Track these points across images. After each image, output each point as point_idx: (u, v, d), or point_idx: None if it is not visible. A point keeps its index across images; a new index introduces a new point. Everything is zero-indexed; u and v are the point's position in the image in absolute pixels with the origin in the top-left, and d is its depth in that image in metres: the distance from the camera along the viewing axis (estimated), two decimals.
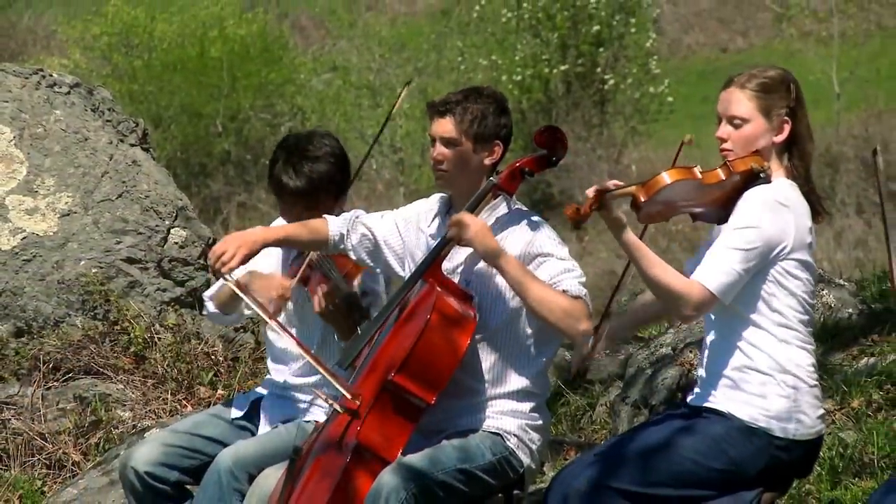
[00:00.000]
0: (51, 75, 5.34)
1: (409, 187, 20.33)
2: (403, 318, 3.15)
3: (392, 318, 3.19)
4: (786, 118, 2.98)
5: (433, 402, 3.02)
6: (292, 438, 3.34)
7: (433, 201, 3.33)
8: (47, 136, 5.17)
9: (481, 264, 3.15)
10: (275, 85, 22.02)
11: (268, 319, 3.31)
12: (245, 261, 3.20)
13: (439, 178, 3.22)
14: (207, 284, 5.20)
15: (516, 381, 3.16)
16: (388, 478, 2.97)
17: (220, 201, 20.33)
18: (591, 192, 2.87)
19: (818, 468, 3.73)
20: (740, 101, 2.97)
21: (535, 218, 3.21)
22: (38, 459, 4.53)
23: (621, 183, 2.87)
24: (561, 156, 3.16)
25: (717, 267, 2.87)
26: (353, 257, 3.33)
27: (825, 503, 3.71)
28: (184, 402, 4.76)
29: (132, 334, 4.90)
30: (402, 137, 20.81)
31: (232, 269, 3.19)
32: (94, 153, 5.20)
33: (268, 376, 3.61)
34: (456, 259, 3.21)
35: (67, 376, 4.81)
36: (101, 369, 4.82)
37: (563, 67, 21.02)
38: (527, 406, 3.16)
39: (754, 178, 2.93)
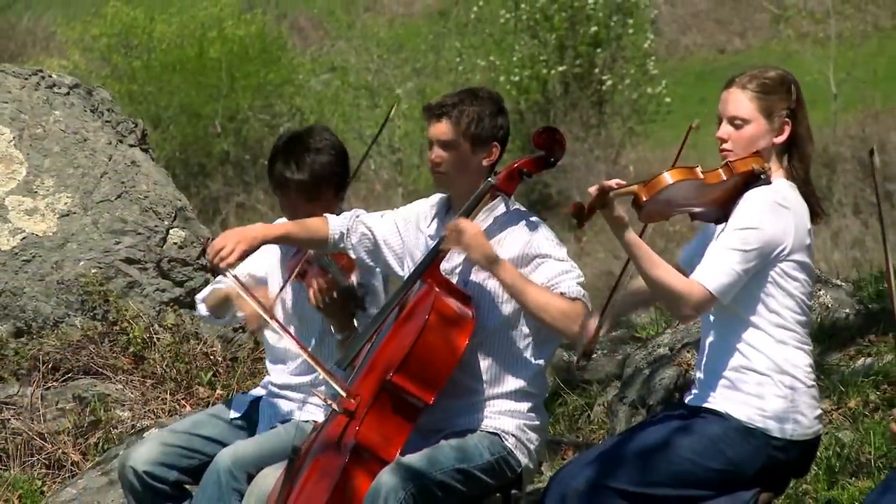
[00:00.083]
0: (50, 76, 5.34)
1: (407, 188, 20.34)
2: (402, 318, 3.16)
3: (391, 318, 3.19)
4: (786, 119, 2.98)
5: (432, 402, 3.03)
6: (291, 438, 3.34)
7: (433, 201, 3.34)
8: (47, 136, 5.17)
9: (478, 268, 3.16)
10: (273, 85, 22.03)
11: (265, 316, 3.31)
12: (244, 257, 3.20)
13: (438, 180, 3.22)
14: (206, 285, 5.20)
15: (514, 381, 3.17)
16: (386, 478, 2.98)
17: (218, 202, 20.34)
18: (593, 189, 2.87)
19: (815, 468, 3.74)
20: (741, 102, 2.98)
21: (534, 218, 3.22)
22: (38, 459, 4.53)
23: (623, 182, 2.88)
24: (559, 157, 3.16)
25: (717, 267, 2.88)
26: (353, 256, 3.34)
27: (822, 503, 3.71)
28: (182, 402, 4.76)
29: (131, 334, 4.90)
30: (400, 138, 20.82)
31: (231, 265, 3.19)
32: (94, 154, 5.21)
33: (266, 377, 3.61)
34: (454, 260, 3.22)
35: (67, 376, 4.82)
36: (101, 369, 4.83)
37: (560, 68, 21.03)
38: (525, 406, 3.17)
39: (755, 178, 2.94)
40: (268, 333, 3.59)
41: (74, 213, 5.10)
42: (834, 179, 17.44)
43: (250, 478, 3.28)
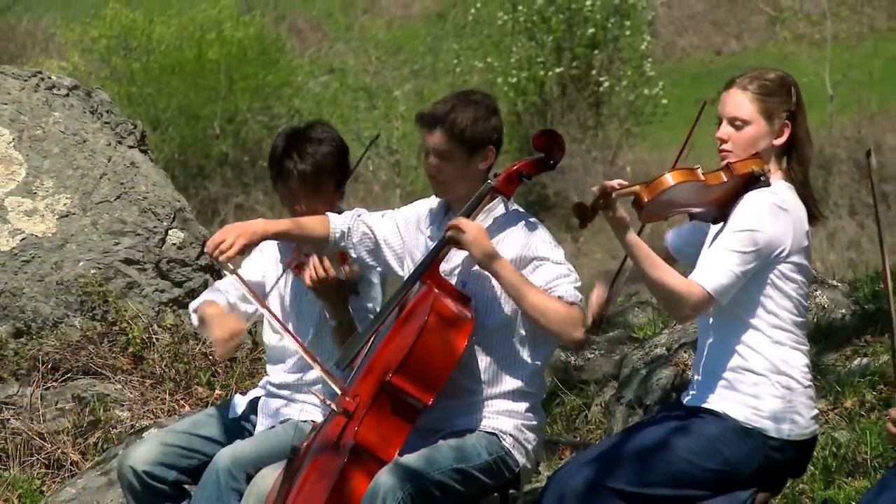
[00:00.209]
0: (49, 77, 5.36)
1: (405, 189, 20.35)
2: (401, 319, 3.16)
3: (390, 319, 3.20)
4: (786, 122, 2.99)
5: (430, 402, 3.04)
6: (289, 438, 3.35)
7: (433, 203, 3.35)
8: (46, 137, 5.19)
9: (478, 266, 3.17)
10: (272, 87, 22.04)
11: (261, 308, 3.31)
12: (243, 251, 3.21)
13: (436, 188, 3.23)
14: (205, 285, 5.22)
15: (512, 382, 3.17)
16: (384, 478, 2.99)
17: (217, 203, 20.34)
18: (595, 190, 2.88)
19: (812, 468, 3.75)
20: (742, 103, 2.98)
21: (532, 220, 3.23)
22: (37, 459, 4.54)
23: (625, 182, 2.88)
24: (558, 159, 3.16)
25: (716, 268, 2.89)
26: (354, 255, 3.34)
27: (819, 503, 3.72)
28: (181, 402, 4.77)
29: (130, 335, 4.92)
30: (398, 139, 20.83)
31: (230, 258, 3.19)
32: (93, 155, 5.22)
33: (265, 377, 3.62)
34: (453, 261, 3.23)
35: (66, 376, 4.83)
36: (100, 369, 4.84)
37: (558, 70, 21.05)
38: (522, 406, 3.18)
39: (754, 180, 2.95)
40: (266, 334, 3.60)
41: (74, 213, 5.11)
42: (830, 181, 17.46)
43: (249, 478, 3.29)
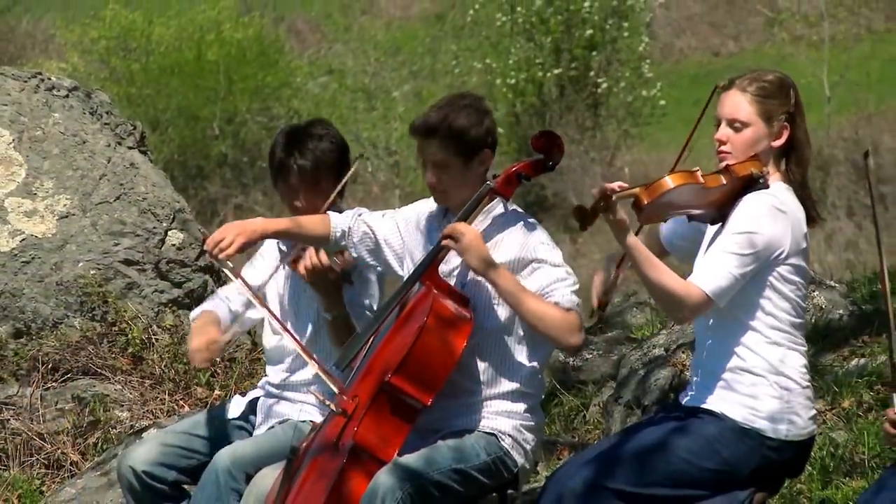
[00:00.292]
0: (49, 79, 5.37)
1: (404, 189, 20.37)
2: (401, 320, 3.17)
3: (389, 319, 3.20)
4: (785, 124, 2.99)
5: (430, 403, 3.04)
6: (289, 439, 3.35)
7: (433, 203, 3.35)
8: (46, 138, 5.19)
9: (473, 273, 3.16)
10: (271, 88, 22.05)
11: (260, 306, 3.32)
12: (242, 249, 3.21)
13: (437, 197, 3.24)
14: (205, 286, 5.23)
15: (510, 382, 3.18)
16: (384, 478, 2.99)
17: (216, 203, 20.35)
18: (595, 192, 2.89)
19: (809, 468, 3.76)
20: (741, 105, 2.99)
21: (531, 220, 3.23)
22: (37, 459, 4.55)
23: (625, 185, 2.89)
24: (557, 160, 3.17)
25: (714, 271, 2.90)
26: (354, 255, 3.35)
27: (816, 502, 3.73)
28: (181, 402, 4.78)
29: (130, 335, 4.92)
30: (397, 140, 20.84)
31: (229, 256, 3.19)
32: (93, 156, 5.23)
33: (264, 378, 3.63)
34: (453, 262, 3.23)
35: (66, 377, 4.84)
36: (99, 370, 4.84)
37: (556, 71, 21.07)
38: (521, 406, 3.18)
39: (753, 182, 2.96)
40: (266, 336, 3.61)
41: (73, 214, 5.12)
42: (828, 181, 17.49)
43: (249, 478, 3.29)
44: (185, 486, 3.44)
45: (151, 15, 22.12)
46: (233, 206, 19.93)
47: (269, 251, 3.59)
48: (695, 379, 3.06)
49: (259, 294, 3.41)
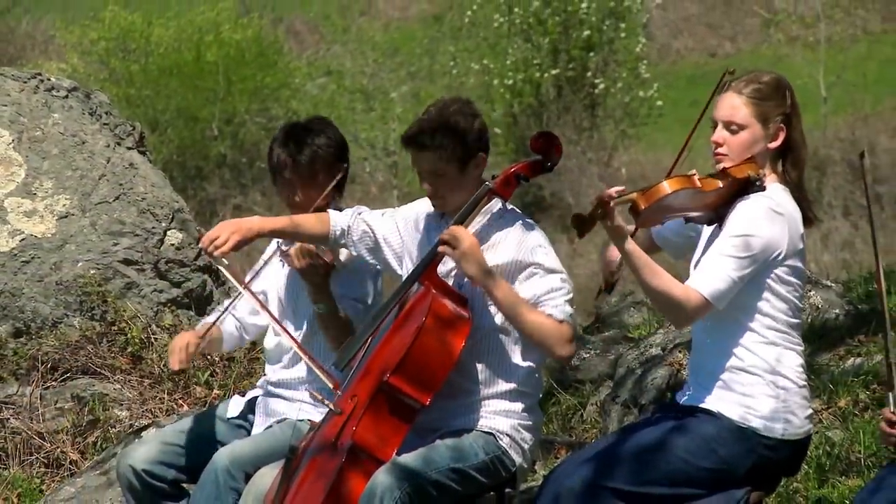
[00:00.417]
0: (49, 79, 5.38)
1: (402, 189, 20.37)
2: (399, 320, 3.17)
3: (388, 320, 3.21)
4: (781, 125, 3.00)
5: (428, 403, 3.05)
6: (287, 438, 3.35)
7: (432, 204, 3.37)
8: (45, 139, 5.21)
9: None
10: (270, 89, 22.06)
11: (246, 294, 3.32)
12: (238, 247, 3.20)
13: (436, 204, 3.24)
14: (203, 286, 5.25)
15: (508, 382, 3.19)
16: (382, 477, 3.00)
17: (215, 204, 20.36)
18: (593, 200, 2.89)
19: (806, 467, 3.76)
20: (738, 107, 2.99)
21: (528, 221, 3.23)
22: (37, 458, 4.56)
23: (623, 190, 2.89)
24: (555, 161, 3.17)
25: (713, 274, 2.91)
26: (354, 253, 3.35)
27: (813, 501, 3.74)
28: (180, 401, 4.79)
29: (129, 335, 4.94)
30: (395, 141, 20.85)
31: (224, 254, 3.19)
32: (92, 156, 5.24)
33: (263, 377, 3.63)
34: (451, 262, 3.22)
35: (65, 376, 4.85)
36: (99, 369, 4.85)
37: (553, 72, 21.09)
38: (519, 406, 3.19)
39: (750, 185, 2.97)
40: (267, 337, 3.62)
41: (73, 214, 5.13)
42: (824, 182, 17.52)
43: (248, 477, 3.30)
44: (185, 485, 3.44)
45: (151, 16, 22.13)
46: (231, 207, 19.93)
47: (271, 254, 3.60)
48: (692, 378, 3.07)
49: (251, 287, 3.40)
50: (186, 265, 5.22)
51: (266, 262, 3.51)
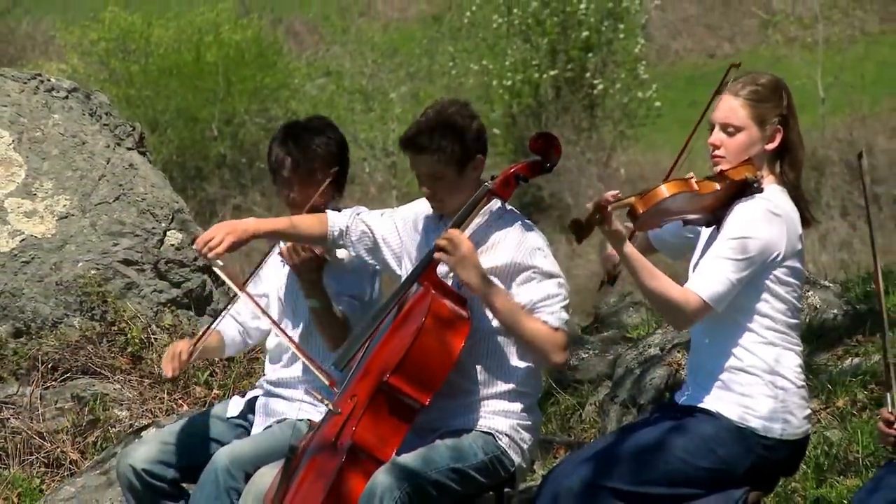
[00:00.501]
0: (49, 80, 5.38)
1: (401, 190, 20.39)
2: (399, 320, 3.18)
3: (388, 320, 3.21)
4: (778, 127, 3.01)
5: (427, 403, 3.05)
6: (287, 437, 3.36)
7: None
8: (45, 139, 5.22)
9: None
10: (269, 89, 22.09)
11: (240, 293, 3.33)
12: (232, 248, 3.19)
13: (436, 207, 3.24)
14: (203, 286, 5.26)
15: (508, 382, 3.19)
16: (382, 477, 3.00)
17: (215, 204, 20.37)
18: (590, 205, 2.89)
19: (804, 466, 3.77)
20: (734, 110, 3.00)
21: (528, 222, 3.24)
22: (37, 458, 4.57)
23: (620, 194, 2.90)
24: (555, 162, 3.17)
25: (711, 277, 2.91)
26: (353, 253, 3.36)
27: (811, 501, 3.75)
28: (180, 401, 4.80)
29: (129, 335, 4.94)
30: (394, 142, 20.86)
31: (219, 255, 3.18)
32: (92, 157, 5.25)
33: (262, 377, 3.64)
34: None
35: (65, 376, 4.85)
36: (99, 369, 4.86)
37: (552, 72, 21.12)
38: (518, 406, 3.20)
39: (747, 187, 2.97)
40: (269, 338, 3.63)
41: (73, 215, 5.14)
42: (822, 182, 17.55)
43: (247, 477, 3.30)
44: (185, 485, 3.45)
45: (150, 17, 22.16)
46: (231, 207, 19.95)
47: (274, 257, 3.61)
48: (690, 378, 3.08)
49: (247, 288, 3.40)
50: (186, 265, 5.23)
51: (262, 262, 3.51)
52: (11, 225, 5.07)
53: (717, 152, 3.03)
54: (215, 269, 3.30)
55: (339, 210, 3.46)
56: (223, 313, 3.59)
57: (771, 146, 3.03)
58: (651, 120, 21.44)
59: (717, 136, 3.03)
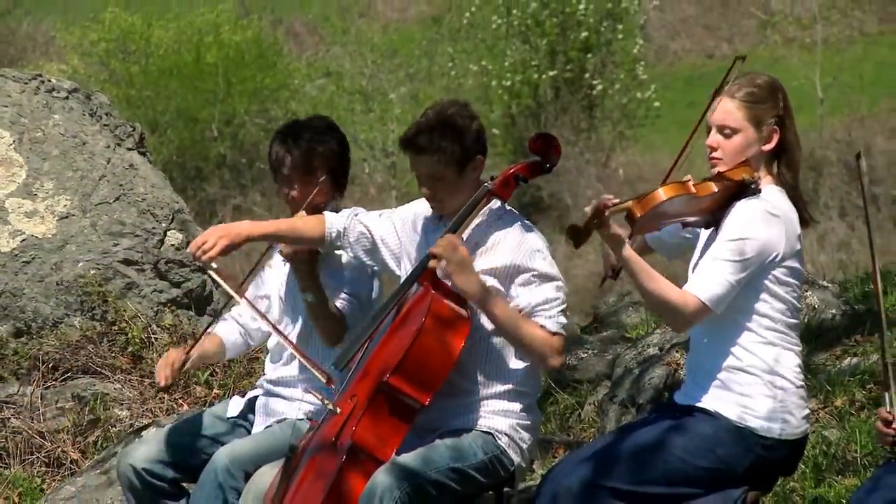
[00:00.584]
0: (49, 80, 5.39)
1: (401, 190, 20.40)
2: (399, 320, 3.18)
3: (387, 320, 3.21)
4: (774, 127, 3.01)
5: (427, 403, 3.06)
6: (287, 437, 3.36)
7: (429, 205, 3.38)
8: (46, 140, 5.23)
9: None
10: (269, 90, 22.10)
11: (240, 299, 3.34)
12: (225, 252, 3.19)
13: (435, 207, 3.25)
14: (203, 286, 5.27)
15: (507, 382, 3.20)
16: (382, 477, 3.01)
17: (215, 204, 20.39)
18: (588, 210, 2.89)
19: (802, 466, 3.78)
20: (730, 112, 3.01)
21: (527, 223, 3.24)
22: (38, 457, 4.57)
23: (617, 200, 2.90)
24: (554, 162, 3.17)
25: (710, 278, 2.92)
26: (350, 254, 3.36)
27: (809, 500, 3.75)
28: (180, 401, 4.80)
29: (129, 334, 4.95)
30: (393, 142, 20.87)
31: (212, 259, 3.18)
32: (92, 157, 5.26)
33: (262, 377, 3.64)
34: None
35: (66, 376, 4.86)
36: (99, 369, 4.87)
37: (551, 73, 21.13)
38: (518, 406, 3.20)
39: (745, 188, 2.98)
40: (271, 338, 3.64)
41: (73, 215, 5.15)
42: (820, 183, 17.56)
43: (247, 476, 3.31)
44: (185, 485, 3.45)
45: (151, 18, 22.17)
46: (231, 207, 19.97)
47: (276, 259, 3.62)
48: (689, 377, 3.08)
49: (242, 290, 3.41)
50: (186, 265, 5.24)
51: (259, 263, 3.52)
52: (12, 225, 5.08)
53: (714, 154, 3.04)
54: (211, 273, 3.30)
55: (339, 210, 3.47)
56: (213, 322, 3.60)
57: (768, 147, 3.03)
58: (650, 120, 21.45)
59: (714, 138, 3.04)
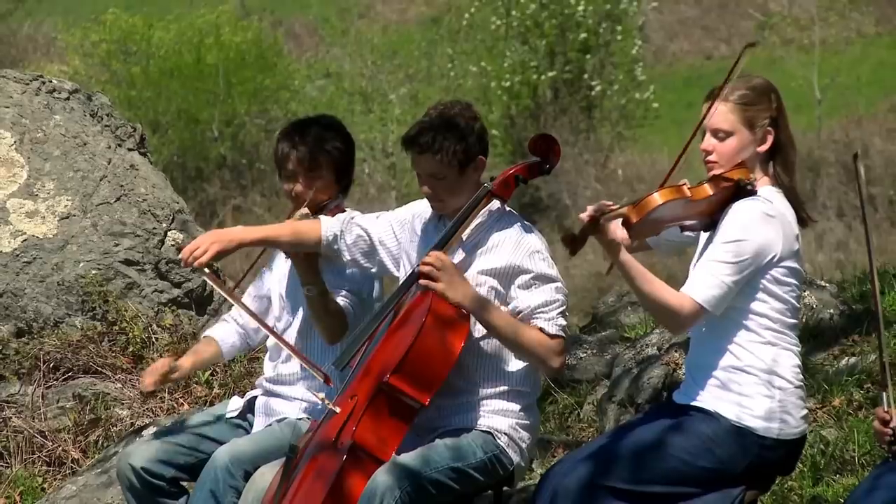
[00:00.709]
0: (50, 81, 5.40)
1: (400, 191, 20.40)
2: (399, 320, 3.18)
3: (387, 320, 3.22)
4: (769, 128, 3.02)
5: (428, 402, 3.06)
6: (287, 436, 3.37)
7: (428, 203, 3.39)
8: (47, 140, 5.24)
9: (471, 269, 3.18)
10: (270, 91, 22.11)
11: (235, 302, 3.35)
12: (217, 257, 3.20)
13: (435, 207, 3.25)
14: (204, 286, 5.28)
15: (507, 381, 3.20)
16: (382, 477, 3.01)
17: (216, 205, 20.39)
18: (584, 216, 2.90)
19: (800, 465, 3.79)
20: (724, 114, 3.01)
21: (527, 224, 3.24)
22: (39, 457, 4.58)
23: (613, 205, 2.90)
24: (554, 163, 3.18)
25: (707, 280, 2.92)
26: (348, 257, 3.35)
27: (807, 500, 3.75)
28: (181, 400, 4.81)
29: (130, 334, 4.96)
30: (393, 142, 20.88)
31: (203, 264, 3.19)
32: (93, 157, 5.27)
33: (262, 376, 3.65)
34: (455, 258, 3.24)
35: (67, 375, 4.87)
36: (100, 369, 4.88)
37: (550, 74, 21.15)
38: (517, 405, 3.21)
39: (741, 190, 2.98)
40: (271, 338, 3.65)
41: (74, 215, 5.16)
42: (818, 183, 17.58)
43: (247, 475, 3.31)
44: (185, 484, 3.46)
45: (151, 19, 22.18)
46: (231, 208, 19.97)
47: (278, 260, 3.63)
48: (688, 377, 3.09)
49: (235, 292, 3.41)
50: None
51: (255, 264, 3.53)
52: (13, 225, 5.09)
53: (709, 157, 3.04)
54: (205, 278, 3.30)
55: (343, 209, 3.48)
56: (204, 331, 3.61)
57: (762, 148, 3.04)
58: (648, 121, 21.47)
59: (709, 141, 3.04)
